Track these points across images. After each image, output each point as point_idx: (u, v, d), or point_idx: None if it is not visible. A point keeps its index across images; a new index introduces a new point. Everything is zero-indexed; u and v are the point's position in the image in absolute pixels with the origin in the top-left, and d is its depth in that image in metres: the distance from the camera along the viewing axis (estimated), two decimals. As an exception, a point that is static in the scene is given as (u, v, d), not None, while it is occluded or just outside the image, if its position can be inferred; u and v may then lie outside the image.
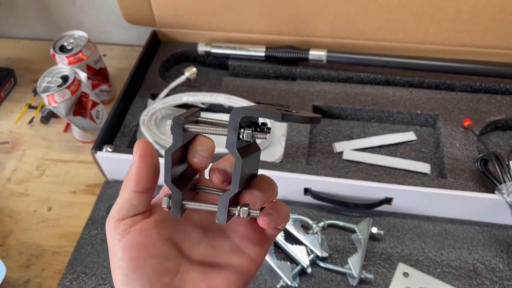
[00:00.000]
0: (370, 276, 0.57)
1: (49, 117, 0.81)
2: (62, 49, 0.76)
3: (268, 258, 0.58)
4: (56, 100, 0.68)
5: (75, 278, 0.60)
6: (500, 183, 0.58)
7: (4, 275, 0.59)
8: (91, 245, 0.63)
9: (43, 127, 0.82)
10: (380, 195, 0.62)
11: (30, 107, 0.85)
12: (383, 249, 0.61)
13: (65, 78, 0.70)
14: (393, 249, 0.61)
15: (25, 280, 0.62)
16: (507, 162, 0.59)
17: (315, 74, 0.79)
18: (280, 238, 0.60)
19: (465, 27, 0.73)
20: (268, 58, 0.80)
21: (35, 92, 0.87)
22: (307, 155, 0.67)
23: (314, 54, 0.77)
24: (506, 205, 0.57)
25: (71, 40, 0.77)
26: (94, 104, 0.75)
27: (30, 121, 0.83)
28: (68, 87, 0.68)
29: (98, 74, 0.80)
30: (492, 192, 0.59)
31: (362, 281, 0.58)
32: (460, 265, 0.59)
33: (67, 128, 0.81)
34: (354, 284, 0.58)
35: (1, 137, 0.81)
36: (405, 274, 0.58)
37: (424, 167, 0.68)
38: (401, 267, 0.59)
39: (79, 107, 0.72)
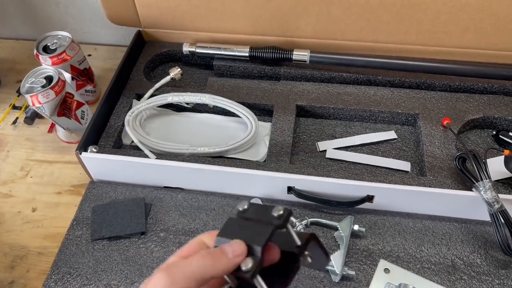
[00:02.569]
0: (352, 272, 0.58)
1: (33, 117, 0.81)
2: (46, 49, 0.76)
3: (252, 256, 0.59)
4: (40, 101, 0.68)
5: (59, 278, 0.61)
6: (477, 181, 0.59)
7: (-12, 276, 0.59)
8: (76, 246, 0.64)
9: (27, 127, 0.82)
10: (361, 193, 0.63)
11: (14, 107, 0.85)
12: (364, 246, 0.62)
13: (49, 79, 0.70)
14: (374, 246, 0.62)
15: (9, 281, 0.62)
16: (484, 160, 0.60)
17: (299, 74, 0.80)
18: (264, 236, 0.61)
19: (444, 28, 0.75)
20: (252, 58, 0.80)
21: (19, 92, 0.87)
22: (290, 154, 0.68)
23: (297, 54, 0.78)
24: (483, 202, 0.59)
25: (55, 41, 0.77)
26: (79, 104, 0.75)
27: (14, 122, 0.82)
28: (52, 88, 0.68)
29: (83, 75, 0.80)
30: (470, 189, 0.61)
31: (344, 277, 0.59)
32: (439, 260, 0.60)
33: (52, 128, 0.81)
34: (336, 281, 0.59)
35: (-15, 138, 0.81)
36: (386, 270, 0.59)
37: (404, 165, 0.69)
38: (382, 264, 0.60)
39: (64, 107, 0.72)
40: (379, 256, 0.61)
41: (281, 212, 0.35)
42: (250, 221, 0.37)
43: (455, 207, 0.63)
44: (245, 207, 0.38)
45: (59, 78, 0.69)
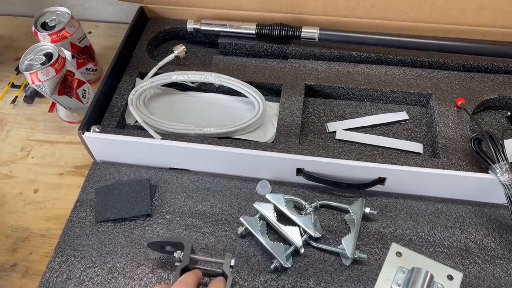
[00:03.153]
0: (364, 256, 0.57)
1: (33, 96, 0.79)
2: (44, 26, 0.73)
3: (261, 239, 0.57)
4: (40, 79, 0.65)
5: (64, 261, 0.59)
6: (494, 163, 0.58)
7: (-10, 259, 0.58)
8: (80, 228, 0.62)
9: (27, 107, 0.79)
10: (373, 175, 0.61)
11: (13, 86, 0.82)
12: (376, 229, 0.61)
13: (49, 56, 0.67)
14: (386, 229, 0.61)
15: (12, 264, 0.61)
16: (501, 142, 0.59)
17: (307, 53, 0.77)
18: (272, 219, 0.59)
19: (458, 5, 0.72)
20: (259, 36, 0.78)
21: (17, 70, 0.84)
22: (299, 135, 0.66)
23: (306, 32, 0.75)
24: (499, 185, 0.57)
25: (53, 17, 0.74)
26: (80, 83, 0.73)
27: (13, 101, 0.80)
28: (52, 65, 0.66)
29: (83, 53, 0.78)
30: (486, 171, 0.59)
31: (355, 261, 0.58)
32: (452, 244, 0.59)
33: (52, 108, 0.79)
34: (347, 264, 0.57)
35: (-17, 118, 0.78)
36: (398, 254, 0.58)
37: (416, 147, 0.68)
38: (394, 247, 0.59)
39: (64, 86, 0.70)
40: (391, 239, 0.60)
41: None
42: None
43: (469, 189, 0.61)
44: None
45: (59, 55, 0.67)
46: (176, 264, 0.54)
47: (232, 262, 0.53)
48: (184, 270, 0.53)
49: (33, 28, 0.72)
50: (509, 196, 0.56)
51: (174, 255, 0.54)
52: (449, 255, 0.58)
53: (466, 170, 0.61)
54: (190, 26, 0.80)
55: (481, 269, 0.56)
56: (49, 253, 0.61)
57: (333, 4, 0.76)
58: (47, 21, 0.74)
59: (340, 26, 0.77)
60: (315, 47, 0.77)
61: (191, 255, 0.53)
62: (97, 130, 0.65)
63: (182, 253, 0.53)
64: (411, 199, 0.63)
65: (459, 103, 0.68)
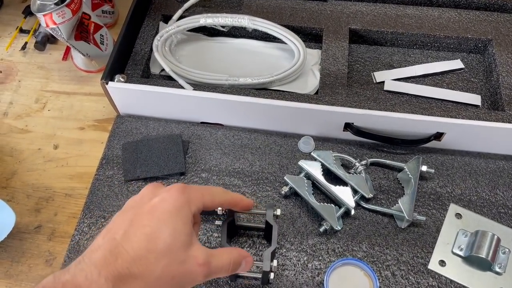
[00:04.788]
0: (422, 218, 0.52)
1: (44, 42, 0.71)
2: (56, -39, 0.65)
3: (309, 199, 0.53)
4: (55, 21, 0.58)
5: (93, 223, 0.54)
6: None
7: (14, 221, 0.53)
8: (108, 187, 0.57)
9: (39, 54, 0.72)
10: (430, 130, 0.56)
11: (21, 31, 0.74)
12: (432, 189, 0.56)
13: (62, -5, 0.59)
14: (443, 189, 0.56)
15: (36, 226, 0.56)
16: None
17: (350, -7, 0.69)
18: (320, 178, 0.54)
19: None
20: (295, -26, 0.69)
21: (25, 13, 0.76)
22: (346, 86, 0.60)
23: (349, -32, 0.67)
24: None
25: (65, -51, 0.65)
26: (97, 27, 0.65)
27: (23, 48, 0.72)
28: (68, 5, 0.58)
29: (99, -8, 0.69)
30: (557, 126, 0.54)
31: (411, 223, 0.53)
32: (516, 205, 0.54)
33: (66, 55, 0.71)
34: (403, 227, 0.53)
35: (-9, 66, 0.71)
36: (458, 216, 0.53)
37: (474, 99, 0.61)
38: (453, 208, 0.54)
39: (81, 30, 0.63)
40: (449, 200, 0.55)
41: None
42: None
43: (536, 146, 0.56)
44: None
45: (75, -6, 0.59)
46: (218, 221, 0.49)
47: (278, 212, 0.49)
48: (230, 225, 0.49)
49: (42, -36, 0.64)
50: None
51: (216, 211, 0.48)
52: (513, 216, 0.53)
53: (534, 124, 0.55)
54: (216, -38, 0.71)
55: (549, 232, 0.52)
56: (75, 214, 0.56)
57: None
58: (57, -44, 0.65)
59: (388, -38, 0.68)
60: (359, -14, 0.68)
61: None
62: (122, 80, 0.59)
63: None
64: (469, 156, 0.58)
65: (524, 49, 0.61)
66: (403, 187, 0.56)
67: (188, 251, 0.37)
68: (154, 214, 0.37)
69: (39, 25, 0.73)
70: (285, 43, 0.64)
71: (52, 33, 0.61)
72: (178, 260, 0.36)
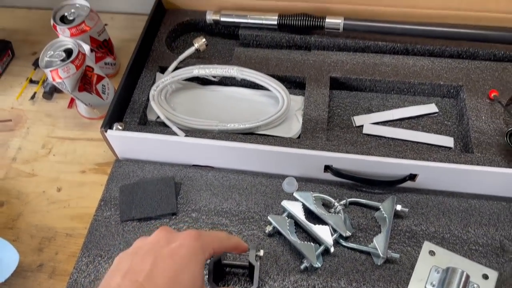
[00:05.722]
0: (396, 255, 0.55)
1: (52, 92, 0.77)
2: (63, 19, 0.72)
3: (290, 238, 0.56)
4: (61, 76, 0.64)
5: (91, 261, 0.59)
6: (531, 158, 0.56)
7: (18, 261, 0.57)
8: (105, 227, 0.61)
9: (46, 103, 0.78)
10: (404, 171, 0.60)
11: (31, 81, 0.81)
12: (407, 227, 0.59)
13: (68, 52, 0.66)
14: (417, 227, 0.59)
15: (38, 264, 0.61)
16: (538, 136, 0.56)
17: (331, 44, 0.75)
18: (301, 217, 0.58)
19: (491, -9, 0.69)
20: (280, 27, 0.75)
21: (35, 65, 0.83)
22: (326, 130, 0.64)
23: (330, 22, 0.73)
24: (537, 181, 0.55)
25: (72, 10, 0.72)
26: (99, 78, 0.71)
27: (32, 97, 0.79)
28: (72, 62, 0.64)
29: (102, 46, 0.76)
30: (522, 167, 0.57)
31: (387, 260, 0.56)
32: (487, 242, 0.57)
33: (71, 104, 0.77)
34: (379, 264, 0.56)
35: (3, 114, 0.77)
36: (431, 253, 0.57)
37: (447, 141, 0.66)
38: (427, 245, 0.57)
39: (85, 82, 0.69)
40: (423, 237, 0.58)
41: None
42: None
43: (504, 185, 0.59)
44: None
45: (79, 51, 0.65)
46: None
47: (261, 253, 0.52)
48: (217, 263, 0.52)
49: (52, 22, 0.71)
50: (548, 194, 0.54)
51: None
52: (483, 253, 0.57)
53: (501, 166, 0.59)
54: (210, 17, 0.78)
55: (517, 268, 0.55)
56: (75, 252, 0.61)
57: (358, -8, 0.73)
58: (66, 14, 0.72)
59: (365, 16, 0.74)
60: (339, 38, 0.74)
61: None
62: (120, 127, 0.64)
63: None
64: (443, 195, 0.61)
65: (492, 95, 0.65)
66: (380, 225, 0.59)
67: None
68: (175, 258, 0.40)
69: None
70: (271, 91, 0.69)
71: (57, 86, 0.67)
72: None
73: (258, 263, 0.52)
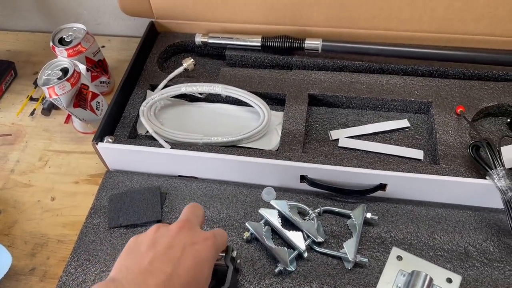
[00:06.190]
0: (365, 259, 0.59)
1: (50, 108, 0.83)
2: (61, 41, 0.78)
3: (266, 243, 0.60)
4: (57, 93, 0.69)
5: (79, 265, 0.62)
6: (491, 169, 0.59)
7: (10, 263, 0.61)
8: (94, 233, 0.65)
9: (45, 118, 0.83)
10: (374, 181, 0.64)
11: (31, 99, 0.87)
12: (377, 234, 0.63)
13: (65, 71, 0.71)
14: (387, 234, 0.63)
15: (31, 268, 0.64)
16: (498, 148, 0.60)
17: (311, 63, 0.80)
18: (277, 224, 0.62)
19: (458, 15, 0.74)
20: (264, 48, 0.81)
21: (35, 84, 0.89)
22: (303, 143, 0.69)
23: (309, 43, 0.78)
24: (497, 190, 0.59)
25: (70, 33, 0.78)
26: (94, 95, 0.77)
27: (32, 113, 0.84)
28: (68, 80, 0.70)
29: (97, 66, 0.81)
30: (484, 177, 0.61)
31: (357, 264, 0.60)
32: (452, 248, 0.61)
33: (68, 119, 0.83)
34: (349, 268, 0.59)
35: (4, 129, 0.82)
36: (399, 258, 0.60)
37: (417, 154, 0.69)
38: (395, 251, 0.61)
39: (79, 98, 0.74)
40: (392, 243, 0.62)
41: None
42: None
43: (469, 195, 0.63)
44: None
45: (74, 70, 0.71)
46: None
47: (234, 254, 0.55)
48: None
49: (51, 44, 0.77)
50: (506, 201, 0.58)
51: None
52: (448, 258, 0.60)
53: (465, 176, 0.62)
54: (198, 39, 0.84)
55: (479, 272, 0.58)
56: (65, 257, 0.65)
57: (335, 16, 0.78)
58: (64, 36, 0.78)
59: (343, 37, 0.80)
60: (319, 58, 0.79)
61: None
62: (110, 140, 0.69)
63: None
64: (412, 204, 0.65)
65: (458, 110, 0.69)
66: (351, 232, 0.63)
67: None
68: (198, 260, 0.44)
69: (47, 94, 0.85)
70: (253, 107, 0.74)
71: (54, 102, 0.72)
72: None
73: (234, 264, 0.55)
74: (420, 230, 0.63)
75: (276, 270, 0.59)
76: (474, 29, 0.76)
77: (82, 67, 0.77)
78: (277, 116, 0.75)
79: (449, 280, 0.58)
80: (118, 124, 0.73)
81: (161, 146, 0.69)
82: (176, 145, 0.70)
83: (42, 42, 0.97)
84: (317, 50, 0.78)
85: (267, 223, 0.63)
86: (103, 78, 0.84)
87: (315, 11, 0.78)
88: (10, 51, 0.97)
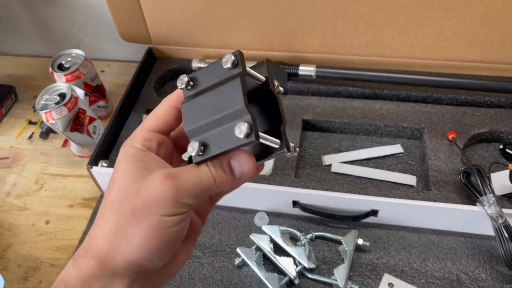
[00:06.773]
0: (356, 286, 0.59)
1: (48, 132, 0.84)
2: (61, 67, 0.79)
3: (256, 269, 0.60)
4: (54, 117, 0.71)
5: (70, 289, 0.62)
6: (481, 195, 0.59)
7: (3, 286, 0.61)
8: (86, 258, 0.65)
9: (42, 142, 0.84)
10: (366, 207, 0.64)
11: (30, 123, 0.88)
12: (369, 260, 0.62)
13: (62, 96, 0.73)
14: (378, 260, 0.62)
15: (23, 292, 0.65)
16: (488, 175, 0.60)
17: (305, 89, 0.81)
18: (268, 249, 0.62)
19: (449, 43, 0.75)
20: (259, 74, 0.82)
21: (35, 108, 0.90)
22: (296, 168, 0.69)
23: (304, 69, 0.79)
24: (487, 217, 0.59)
25: (69, 59, 0.80)
26: (91, 120, 0.78)
27: (30, 137, 0.85)
28: (65, 104, 0.71)
29: (95, 91, 0.83)
30: (474, 204, 0.61)
31: (348, 291, 0.59)
32: (444, 275, 0.60)
33: (65, 143, 0.84)
34: (340, 295, 0.59)
35: (2, 153, 0.84)
36: (390, 285, 0.60)
37: (410, 179, 0.70)
38: (386, 278, 0.60)
39: (77, 123, 0.75)
40: (384, 270, 0.61)
41: (233, 58, 0.32)
42: (209, 91, 0.32)
43: (460, 221, 0.63)
44: (186, 79, 0.33)
45: (71, 95, 0.72)
46: None
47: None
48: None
49: (50, 69, 0.78)
50: (496, 228, 0.57)
51: None
52: (440, 286, 0.59)
53: (456, 203, 0.62)
54: (195, 65, 0.85)
55: (472, 301, 0.58)
56: (57, 282, 0.65)
57: (329, 43, 0.80)
58: (63, 62, 0.80)
59: (337, 63, 0.81)
60: (313, 83, 0.81)
61: None
62: (105, 165, 0.70)
63: None
64: (404, 230, 0.65)
65: (450, 136, 0.70)
66: (343, 258, 0.63)
67: (143, 180, 0.32)
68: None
69: (45, 117, 0.87)
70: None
71: (51, 127, 0.73)
72: (130, 195, 0.32)
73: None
74: (412, 256, 0.62)
75: (267, 297, 0.59)
76: (465, 56, 0.77)
77: (80, 92, 0.79)
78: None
79: (441, 308, 0.57)
80: (114, 148, 0.74)
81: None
82: (170, 169, 0.70)
83: (43, 67, 0.99)
84: (311, 76, 0.80)
85: (259, 248, 0.63)
86: (101, 103, 0.86)
87: (309, 37, 0.80)
88: (11, 75, 0.99)
